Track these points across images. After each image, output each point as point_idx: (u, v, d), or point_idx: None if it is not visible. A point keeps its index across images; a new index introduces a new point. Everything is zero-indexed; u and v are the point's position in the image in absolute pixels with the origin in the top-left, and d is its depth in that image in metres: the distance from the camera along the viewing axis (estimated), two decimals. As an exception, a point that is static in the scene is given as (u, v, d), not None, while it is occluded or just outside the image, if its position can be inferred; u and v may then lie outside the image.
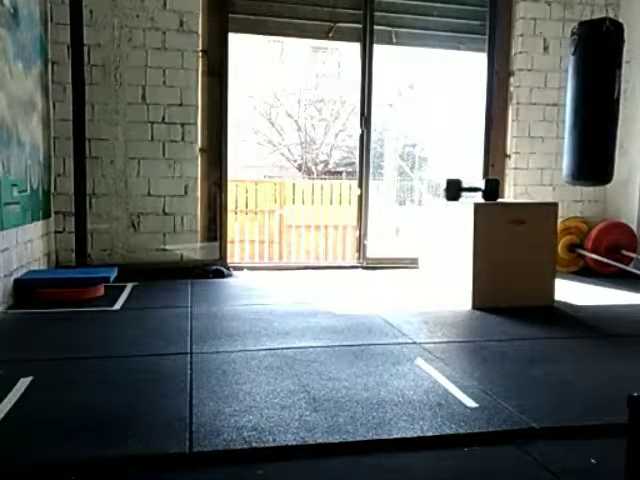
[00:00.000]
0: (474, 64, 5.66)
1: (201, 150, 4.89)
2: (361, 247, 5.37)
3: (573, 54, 3.95)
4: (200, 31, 4.79)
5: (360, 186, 5.36)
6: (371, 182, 5.53)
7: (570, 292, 4.30)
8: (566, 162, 4.09)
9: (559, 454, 1.86)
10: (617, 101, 3.88)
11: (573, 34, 3.96)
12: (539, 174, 5.42)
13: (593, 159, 3.99)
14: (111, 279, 4.07)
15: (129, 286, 4.22)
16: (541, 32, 5.33)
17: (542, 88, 5.36)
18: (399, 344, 2.96)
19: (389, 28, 5.30)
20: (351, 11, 5.19)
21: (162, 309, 3.63)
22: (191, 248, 4.83)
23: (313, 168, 14.18)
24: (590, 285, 4.72)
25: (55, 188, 4.57)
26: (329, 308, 3.73)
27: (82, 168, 4.47)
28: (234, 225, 6.38)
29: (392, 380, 2.43)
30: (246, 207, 6.89)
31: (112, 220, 4.67)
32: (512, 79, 5.45)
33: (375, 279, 4.84)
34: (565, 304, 3.95)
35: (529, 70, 5.37)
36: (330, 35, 5.21)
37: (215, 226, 5.00)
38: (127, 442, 1.85)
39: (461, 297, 3.87)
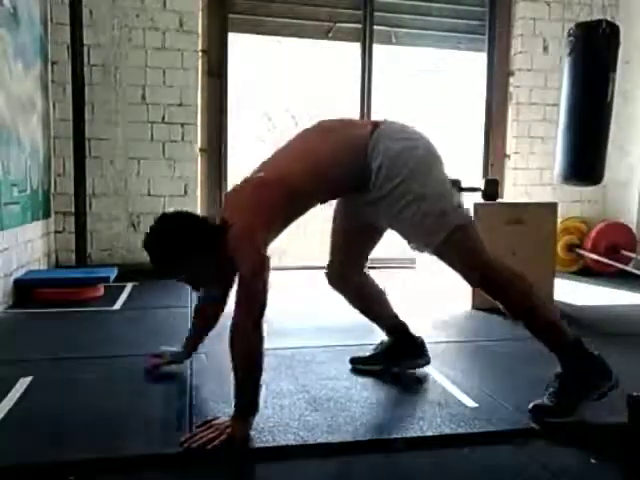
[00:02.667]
0: (474, 64, 5.66)
1: (201, 150, 4.89)
2: (361, 247, 5.36)
3: (569, 55, 3.96)
4: (200, 31, 4.80)
5: (360, 186, 5.35)
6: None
7: (570, 292, 4.30)
8: (558, 162, 4.10)
9: (559, 454, 1.86)
10: (610, 103, 3.89)
11: (570, 35, 3.98)
12: (539, 174, 5.43)
13: (583, 160, 4.01)
14: (111, 279, 4.07)
15: (129, 286, 4.21)
16: (540, 32, 5.34)
17: (542, 88, 5.36)
18: (399, 344, 2.95)
19: (389, 28, 5.30)
20: (351, 11, 5.20)
21: (162, 309, 3.63)
22: (191, 248, 4.82)
23: (313, 168, 14.17)
24: (589, 285, 4.72)
25: (55, 188, 4.58)
26: (328, 308, 3.72)
27: (82, 168, 4.48)
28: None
29: (392, 380, 2.43)
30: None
31: (112, 220, 4.67)
32: (512, 79, 5.46)
33: (374, 279, 4.83)
34: (565, 304, 3.95)
35: (529, 70, 5.37)
36: (330, 35, 5.22)
37: (215, 226, 5.00)
38: (127, 442, 1.86)
39: (461, 297, 3.87)
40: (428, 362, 2.54)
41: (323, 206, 2.20)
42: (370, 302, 2.57)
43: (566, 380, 2.02)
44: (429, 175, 2.04)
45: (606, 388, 2.01)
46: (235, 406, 1.84)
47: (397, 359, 2.53)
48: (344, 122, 2.25)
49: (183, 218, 2.02)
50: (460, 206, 2.09)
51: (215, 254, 1.94)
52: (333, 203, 2.40)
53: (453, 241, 2.03)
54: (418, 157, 2.03)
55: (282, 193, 1.98)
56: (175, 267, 1.99)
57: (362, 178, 2.06)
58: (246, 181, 2.07)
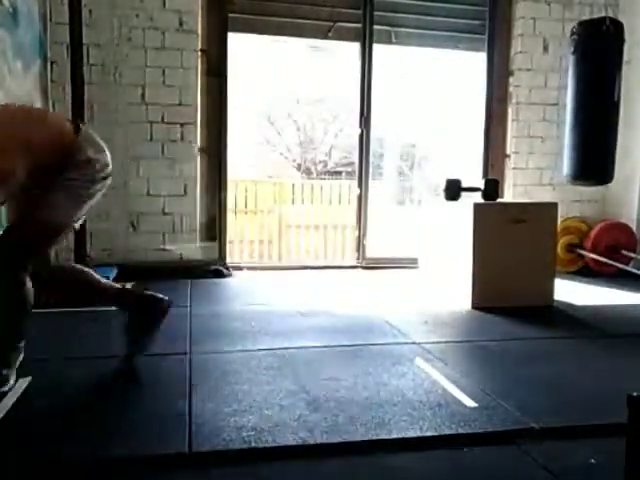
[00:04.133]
0: (473, 63, 5.66)
1: (201, 150, 4.88)
2: (360, 247, 5.37)
3: (573, 54, 3.95)
4: (199, 30, 4.79)
5: (360, 186, 5.36)
6: (371, 182, 5.52)
7: (570, 292, 4.30)
8: (566, 162, 4.09)
9: (559, 454, 1.85)
10: (617, 101, 3.88)
11: (573, 33, 3.97)
12: (539, 174, 5.42)
13: (592, 159, 4.00)
14: (110, 279, 4.06)
15: (128, 286, 4.19)
16: (541, 32, 5.33)
17: (542, 88, 5.35)
18: (399, 344, 2.96)
19: (389, 28, 5.30)
20: (350, 11, 5.19)
21: (161, 309, 3.62)
22: (190, 248, 4.82)
23: (312, 168, 14.17)
24: (590, 285, 4.72)
25: (54, 188, 4.56)
26: (328, 308, 3.72)
27: (81, 168, 4.47)
28: (234, 225, 6.38)
29: (392, 380, 2.43)
30: (245, 207, 6.89)
31: (112, 220, 4.66)
32: (512, 79, 5.45)
33: (374, 279, 4.83)
34: (565, 304, 3.95)
35: (529, 70, 5.36)
36: (329, 35, 5.21)
37: (214, 226, 5.00)
38: (126, 442, 1.85)
39: (461, 297, 3.86)
40: (170, 304, 2.70)
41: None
42: (79, 281, 2.67)
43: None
44: (96, 183, 2.36)
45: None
46: None
47: (142, 326, 2.56)
48: (35, 112, 2.56)
49: None
50: (74, 217, 2.37)
51: None
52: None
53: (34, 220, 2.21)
54: (100, 166, 2.39)
55: None
56: None
57: (50, 169, 2.22)
58: None
